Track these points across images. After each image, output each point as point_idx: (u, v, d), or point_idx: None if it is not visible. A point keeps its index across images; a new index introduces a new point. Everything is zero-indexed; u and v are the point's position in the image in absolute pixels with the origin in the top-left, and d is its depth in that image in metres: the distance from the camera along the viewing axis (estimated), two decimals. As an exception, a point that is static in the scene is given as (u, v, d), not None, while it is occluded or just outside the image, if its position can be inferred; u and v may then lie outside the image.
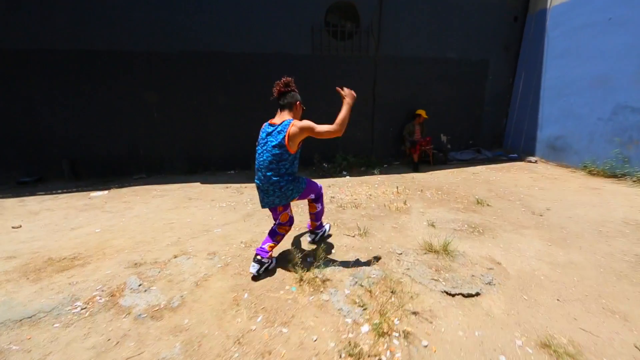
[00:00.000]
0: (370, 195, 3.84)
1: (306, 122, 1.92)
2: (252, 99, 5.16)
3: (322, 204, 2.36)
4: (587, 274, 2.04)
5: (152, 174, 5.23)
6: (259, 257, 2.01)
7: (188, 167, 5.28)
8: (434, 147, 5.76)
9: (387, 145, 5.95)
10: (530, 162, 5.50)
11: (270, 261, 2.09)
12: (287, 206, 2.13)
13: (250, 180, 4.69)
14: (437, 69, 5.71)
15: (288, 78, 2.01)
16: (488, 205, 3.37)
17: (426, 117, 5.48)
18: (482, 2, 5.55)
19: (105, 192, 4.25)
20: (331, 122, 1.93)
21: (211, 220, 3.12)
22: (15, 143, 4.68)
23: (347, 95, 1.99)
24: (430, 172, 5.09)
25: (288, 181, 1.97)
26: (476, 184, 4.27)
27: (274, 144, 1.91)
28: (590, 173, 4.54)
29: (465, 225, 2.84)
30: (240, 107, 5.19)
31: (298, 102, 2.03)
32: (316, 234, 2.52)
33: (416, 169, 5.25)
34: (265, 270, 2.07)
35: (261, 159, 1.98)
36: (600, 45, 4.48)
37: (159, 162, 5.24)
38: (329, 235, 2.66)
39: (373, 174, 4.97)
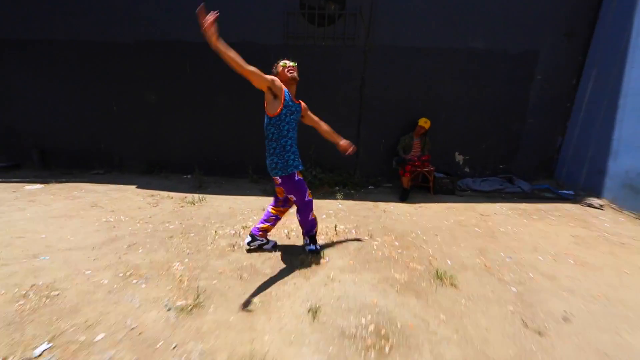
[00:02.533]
0: (293, 231, 2.74)
1: None
2: (213, 94, 4.47)
3: (306, 216, 2.17)
4: None
5: (112, 170, 4.98)
6: (251, 232, 2.29)
7: (145, 167, 4.87)
8: (440, 170, 4.25)
9: (377, 161, 4.63)
10: (590, 206, 3.56)
11: (264, 240, 2.31)
12: (284, 183, 2.06)
13: (191, 190, 4.00)
14: (453, 63, 4.17)
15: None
16: (452, 284, 1.97)
17: (427, 128, 4.01)
18: (533, -31, 3.83)
19: (40, 186, 4.04)
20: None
21: (63, 240, 2.47)
22: (-3, 130, 4.88)
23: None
24: (419, 205, 3.65)
25: (275, 151, 2.01)
26: (470, 236, 2.76)
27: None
28: (700, 244, 2.57)
29: (372, 327, 1.58)
30: (199, 103, 4.55)
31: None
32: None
33: (404, 198, 3.86)
34: (259, 248, 2.33)
35: None
36: None
37: (119, 158, 4.95)
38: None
39: (336, 198, 3.78)
